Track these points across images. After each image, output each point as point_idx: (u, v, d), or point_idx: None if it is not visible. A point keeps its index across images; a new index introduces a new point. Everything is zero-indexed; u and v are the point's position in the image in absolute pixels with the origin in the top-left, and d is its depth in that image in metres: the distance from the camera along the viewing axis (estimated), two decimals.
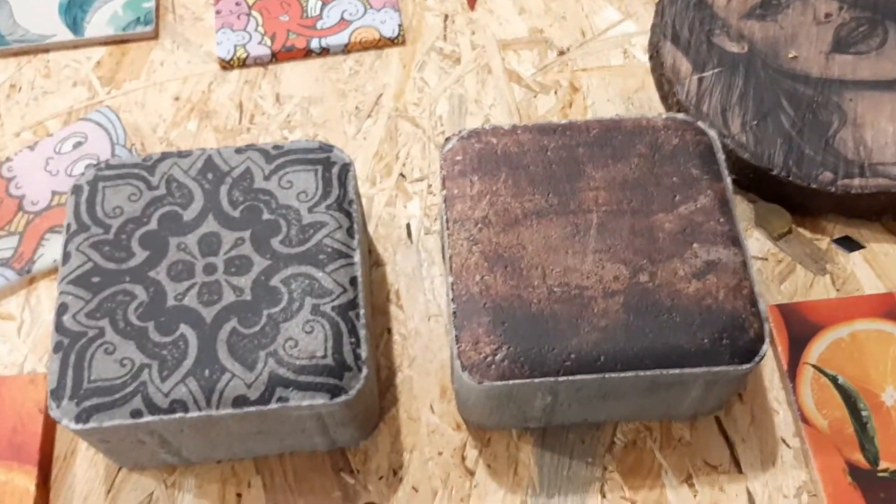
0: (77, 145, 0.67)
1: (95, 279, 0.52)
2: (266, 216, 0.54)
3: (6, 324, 0.62)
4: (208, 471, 0.56)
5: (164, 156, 0.57)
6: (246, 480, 0.56)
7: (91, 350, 0.50)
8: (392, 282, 0.63)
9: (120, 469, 0.56)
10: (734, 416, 0.58)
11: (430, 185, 0.67)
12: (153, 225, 0.54)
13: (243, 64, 0.72)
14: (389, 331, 0.61)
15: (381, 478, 0.56)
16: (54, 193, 0.65)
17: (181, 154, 0.57)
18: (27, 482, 0.54)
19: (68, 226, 0.54)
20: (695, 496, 0.55)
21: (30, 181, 0.66)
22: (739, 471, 0.56)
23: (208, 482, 0.56)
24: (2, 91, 0.72)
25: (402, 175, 0.67)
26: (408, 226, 0.65)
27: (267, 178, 0.56)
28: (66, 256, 0.53)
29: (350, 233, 0.54)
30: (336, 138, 0.69)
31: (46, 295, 0.63)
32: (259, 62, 0.72)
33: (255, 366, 0.49)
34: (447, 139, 0.57)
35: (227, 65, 0.72)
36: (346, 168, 0.56)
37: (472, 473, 0.56)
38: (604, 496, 0.55)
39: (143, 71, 0.73)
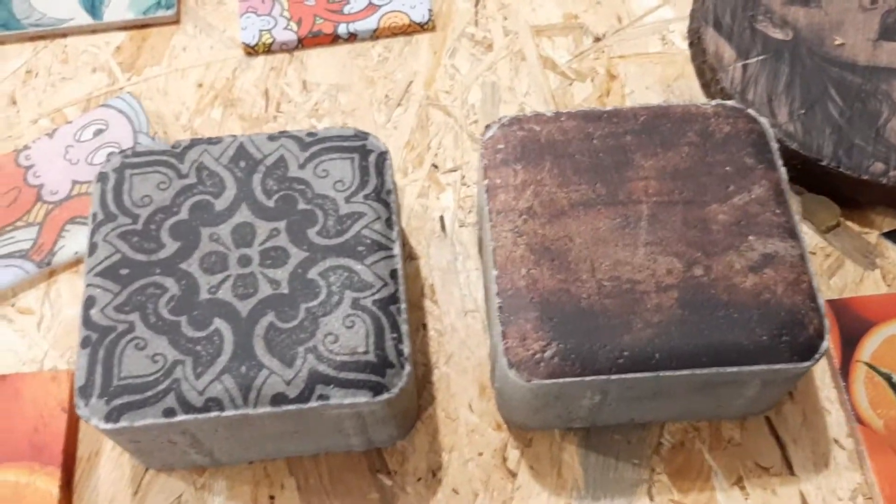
0: (98, 133, 0.65)
1: (124, 271, 0.50)
2: (302, 206, 0.52)
3: (25, 318, 0.59)
4: (239, 472, 0.54)
5: (194, 143, 0.54)
6: (279, 482, 0.53)
7: (121, 345, 0.48)
8: (426, 276, 0.60)
9: (147, 470, 0.54)
10: (784, 415, 0.55)
11: (463, 176, 0.65)
12: (184, 214, 0.52)
13: (268, 50, 0.70)
14: (425, 326, 0.58)
15: (419, 479, 0.53)
16: (75, 183, 0.63)
17: (211, 141, 0.54)
18: (50, 485, 0.52)
19: (94, 215, 0.52)
20: (746, 499, 0.53)
21: (49, 170, 0.63)
22: (791, 473, 0.54)
23: (240, 484, 0.53)
24: (18, 77, 0.69)
25: (434, 165, 0.65)
26: (441, 218, 0.63)
27: (302, 166, 0.53)
28: (93, 247, 0.51)
29: (389, 224, 0.52)
30: (365, 127, 0.67)
31: (67, 288, 0.60)
32: (285, 48, 0.70)
33: (293, 362, 0.47)
34: (487, 126, 0.55)
35: (251, 50, 0.70)
36: (382, 156, 0.54)
37: (514, 475, 0.54)
38: (651, 499, 0.53)
39: (164, 56, 0.70)
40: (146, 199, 0.52)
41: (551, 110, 0.55)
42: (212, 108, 0.68)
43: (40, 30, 0.71)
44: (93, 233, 0.51)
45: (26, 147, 0.64)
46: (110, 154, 0.54)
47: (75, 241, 0.61)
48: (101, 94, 0.68)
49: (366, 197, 0.52)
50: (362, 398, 0.47)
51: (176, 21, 0.72)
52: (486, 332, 0.59)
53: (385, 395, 0.47)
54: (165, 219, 0.51)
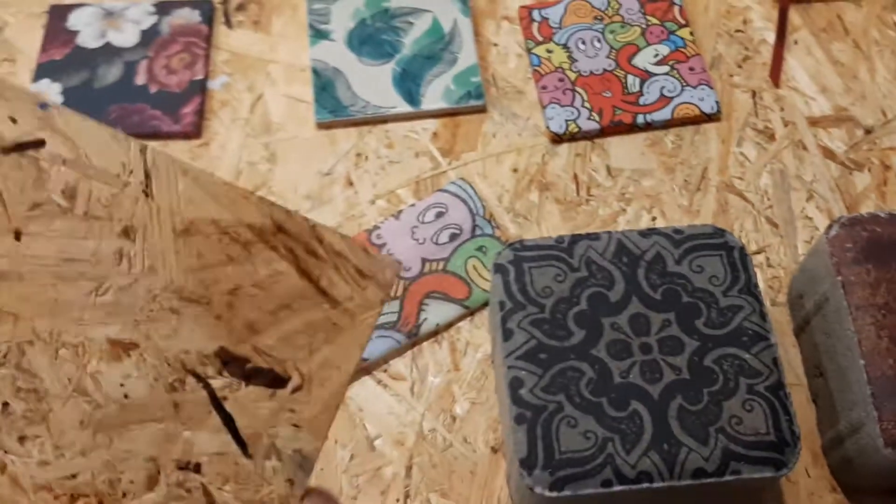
0: (439, 215, 0.73)
1: (542, 356, 0.58)
2: (685, 299, 0.60)
3: (399, 384, 0.67)
4: None
5: (575, 238, 0.62)
6: None
7: (555, 423, 0.55)
8: None
9: None
10: None
11: (768, 258, 0.72)
12: (583, 305, 0.59)
13: (573, 138, 0.78)
14: None
15: None
16: (424, 261, 0.71)
17: (591, 237, 0.62)
18: None
19: (502, 303, 0.60)
20: None
21: (399, 248, 0.72)
22: None
23: None
24: (349, 159, 0.78)
25: None
26: None
27: (678, 262, 0.61)
28: (508, 333, 0.59)
29: (762, 316, 0.59)
30: (672, 211, 0.74)
31: (430, 357, 0.68)
32: (587, 136, 0.78)
33: (707, 441, 0.55)
34: (830, 226, 0.62)
35: (557, 138, 0.78)
36: (742, 252, 0.62)
37: None
38: None
39: (478, 143, 0.78)
40: (547, 290, 0.60)
41: (885, 211, 0.62)
42: (529, 192, 0.76)
43: (364, 116, 0.79)
44: (505, 319, 0.59)
45: (376, 227, 0.73)
46: (506, 247, 0.62)
47: (435, 314, 0.69)
48: (427, 177, 0.77)
49: (739, 291, 0.60)
50: (767, 473, 0.54)
51: (484, 110, 0.80)
52: (809, 405, 0.66)
53: (784, 471, 0.55)
54: (568, 309, 0.59)
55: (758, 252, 0.72)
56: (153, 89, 0.80)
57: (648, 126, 0.78)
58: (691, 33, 0.82)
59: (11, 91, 0.27)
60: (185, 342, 0.26)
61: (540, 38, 0.82)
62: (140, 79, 0.81)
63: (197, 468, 0.26)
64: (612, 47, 0.81)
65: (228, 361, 0.27)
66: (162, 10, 0.84)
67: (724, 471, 0.54)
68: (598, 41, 0.82)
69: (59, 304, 0.25)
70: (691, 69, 0.80)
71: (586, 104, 0.79)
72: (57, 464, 0.25)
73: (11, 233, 0.26)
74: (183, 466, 0.26)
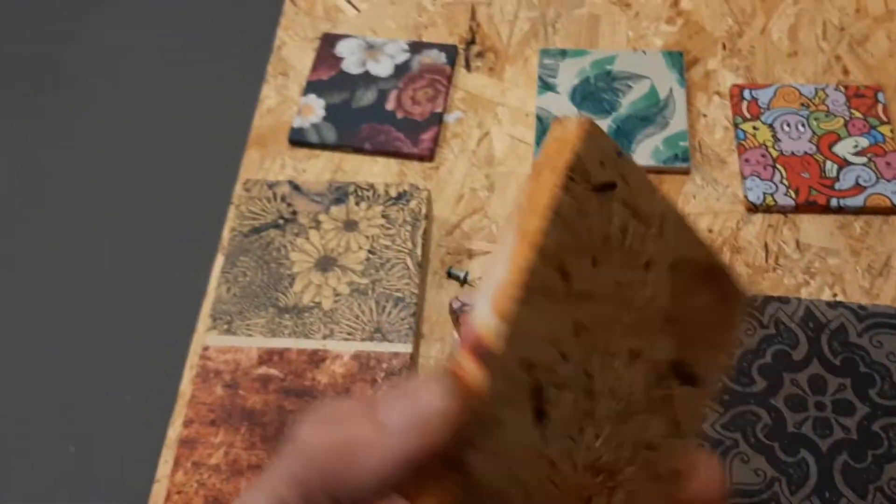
0: None
1: (725, 397, 0.65)
2: (862, 369, 0.66)
3: None
4: None
5: (767, 299, 0.70)
6: None
7: (730, 457, 0.63)
8: None
9: None
10: None
11: None
12: (768, 359, 0.67)
13: (768, 210, 0.85)
14: None
15: None
16: None
17: (781, 300, 0.69)
18: None
19: None
20: None
21: None
22: None
23: None
24: None
25: None
26: None
27: (860, 335, 0.67)
28: None
29: None
30: (853, 291, 0.80)
31: None
32: (781, 210, 0.85)
33: (866, 496, 0.61)
34: None
35: (753, 208, 0.85)
36: None
37: None
38: None
39: (678, 201, 0.87)
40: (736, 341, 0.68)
41: None
42: (720, 253, 0.83)
43: None
44: None
45: None
46: None
47: None
48: None
49: None
50: None
51: (687, 172, 0.88)
52: None
53: None
54: (754, 359, 0.67)
55: None
56: (399, 115, 0.92)
57: (840, 210, 0.84)
58: (892, 130, 0.88)
59: (603, 140, 0.35)
60: (663, 353, 0.35)
61: (748, 116, 0.90)
62: (390, 105, 0.93)
63: (652, 448, 0.35)
64: (814, 133, 0.88)
65: (680, 372, 0.35)
66: (414, 48, 0.97)
67: None
68: (803, 126, 0.89)
69: (602, 318, 0.34)
70: (888, 164, 0.86)
71: (784, 181, 0.86)
72: (592, 449, 0.33)
73: (590, 258, 0.34)
74: (644, 447, 0.34)
